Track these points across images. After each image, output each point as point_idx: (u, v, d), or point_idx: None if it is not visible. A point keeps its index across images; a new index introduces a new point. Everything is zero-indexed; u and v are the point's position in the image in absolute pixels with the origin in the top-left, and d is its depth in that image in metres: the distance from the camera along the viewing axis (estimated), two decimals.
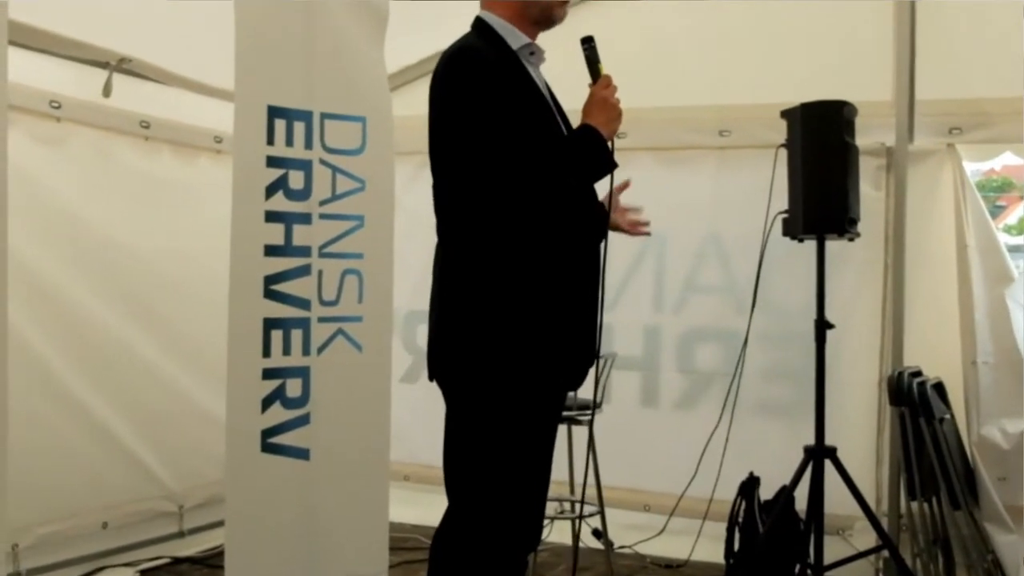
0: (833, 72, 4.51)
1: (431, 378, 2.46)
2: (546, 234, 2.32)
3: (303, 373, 3.47)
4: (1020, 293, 4.31)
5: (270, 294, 3.39)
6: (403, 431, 4.43)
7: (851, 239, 4.08)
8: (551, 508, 3.74)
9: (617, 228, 2.79)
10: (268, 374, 3.40)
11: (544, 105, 2.41)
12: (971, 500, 4.11)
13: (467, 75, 2.27)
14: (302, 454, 3.46)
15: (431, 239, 2.51)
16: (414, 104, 3.06)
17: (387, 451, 3.74)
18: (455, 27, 2.54)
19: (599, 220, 2.49)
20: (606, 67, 2.53)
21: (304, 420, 3.47)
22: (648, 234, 2.91)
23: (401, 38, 3.85)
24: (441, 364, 2.40)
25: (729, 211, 4.81)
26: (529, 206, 2.28)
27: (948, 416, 4.20)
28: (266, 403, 3.39)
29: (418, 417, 4.36)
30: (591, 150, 2.36)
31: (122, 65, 4.22)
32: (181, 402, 4.63)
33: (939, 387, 4.27)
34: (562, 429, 3.42)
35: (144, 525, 4.54)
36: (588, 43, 2.49)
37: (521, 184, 2.25)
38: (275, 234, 3.40)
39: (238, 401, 3.36)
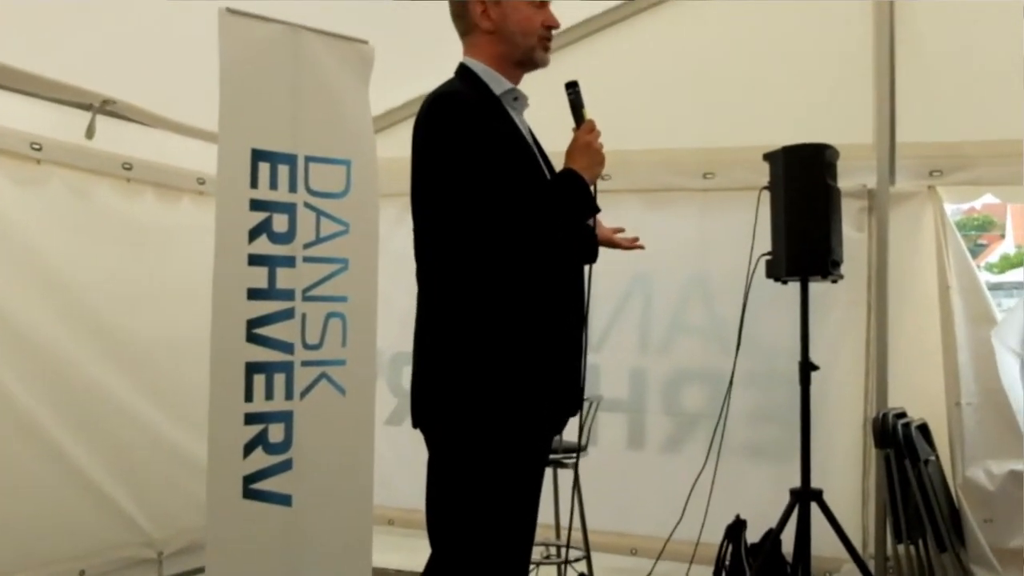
0: (815, 115, 4.55)
1: (415, 425, 2.43)
2: (529, 278, 2.31)
3: (286, 418, 3.45)
4: (1008, 334, 4.31)
5: (253, 338, 3.37)
6: (388, 474, 4.39)
7: (834, 281, 4.10)
8: (537, 553, 3.70)
9: (614, 244, 2.80)
10: (250, 419, 3.37)
11: (527, 150, 2.41)
12: (957, 542, 4.10)
13: (450, 119, 2.27)
14: (284, 500, 3.42)
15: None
16: (399, 146, 3.05)
17: (370, 496, 3.70)
18: (440, 69, 2.54)
19: (587, 251, 2.49)
20: (590, 109, 2.53)
21: (287, 465, 3.44)
22: (642, 247, 2.92)
23: (386, 81, 3.86)
24: (424, 410, 2.38)
25: (714, 252, 4.82)
26: (512, 251, 2.27)
27: (933, 458, 4.20)
28: (248, 448, 3.36)
29: (403, 460, 4.31)
30: (574, 194, 2.36)
31: (105, 107, 4.20)
32: (161, 446, 4.57)
33: (923, 428, 4.27)
34: (547, 472, 3.40)
35: (123, 572, 4.46)
36: (572, 88, 2.50)
37: (503, 229, 2.24)
38: (258, 277, 3.38)
39: (219, 446, 3.33)
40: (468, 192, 2.22)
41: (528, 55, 2.46)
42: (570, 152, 2.42)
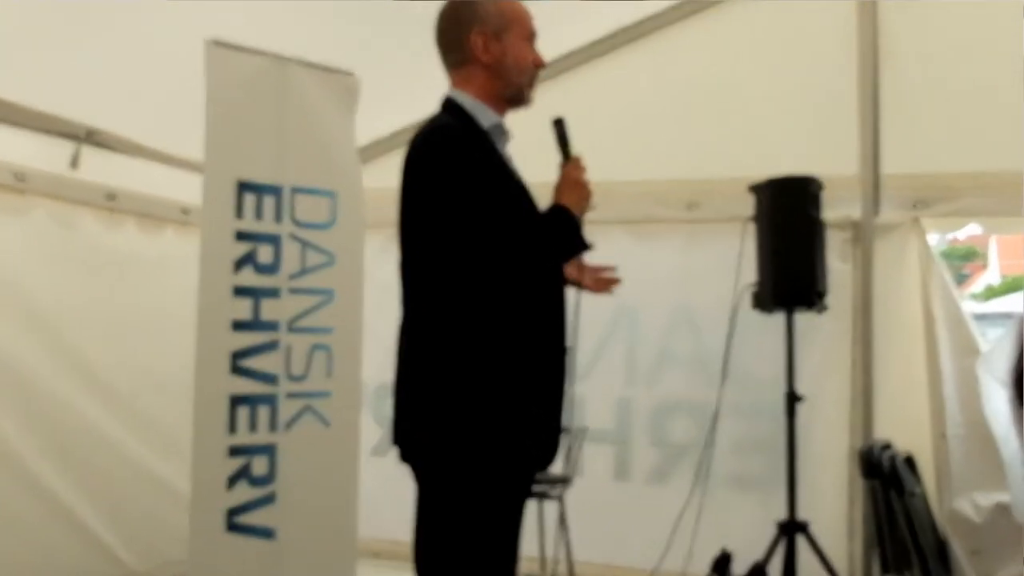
0: (800, 146, 4.58)
1: (401, 459, 2.42)
2: (517, 314, 2.30)
3: (270, 450, 3.42)
4: (994, 364, 4.32)
5: (237, 369, 3.35)
6: (373, 506, 4.35)
7: (820, 312, 4.11)
8: None
9: (580, 286, 2.77)
10: (234, 451, 3.35)
11: (518, 184, 2.41)
12: (944, 574, 4.09)
13: (445, 154, 2.26)
14: (268, 533, 3.40)
15: None
16: (384, 177, 3.06)
17: (355, 529, 3.67)
18: (425, 100, 2.55)
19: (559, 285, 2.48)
20: (577, 141, 2.54)
21: (270, 498, 3.41)
22: (618, 281, 2.87)
23: (372, 111, 3.87)
24: (411, 445, 2.37)
25: (699, 283, 4.82)
26: (502, 287, 2.27)
27: (918, 490, 4.19)
28: (231, 481, 3.34)
29: (389, 491, 4.26)
30: (564, 231, 2.36)
31: (91, 138, 4.20)
32: (144, 479, 4.53)
33: (909, 460, 4.27)
34: (532, 504, 3.38)
35: None
36: (559, 124, 2.51)
37: (495, 265, 2.24)
38: (243, 309, 3.37)
39: (203, 479, 3.30)
40: (461, 227, 2.22)
41: (519, 92, 2.47)
42: (559, 188, 2.43)
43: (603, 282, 2.84)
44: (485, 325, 2.27)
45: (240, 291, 3.37)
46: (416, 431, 2.33)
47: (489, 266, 2.23)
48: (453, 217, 2.22)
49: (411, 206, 2.31)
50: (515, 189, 2.39)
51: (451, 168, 2.24)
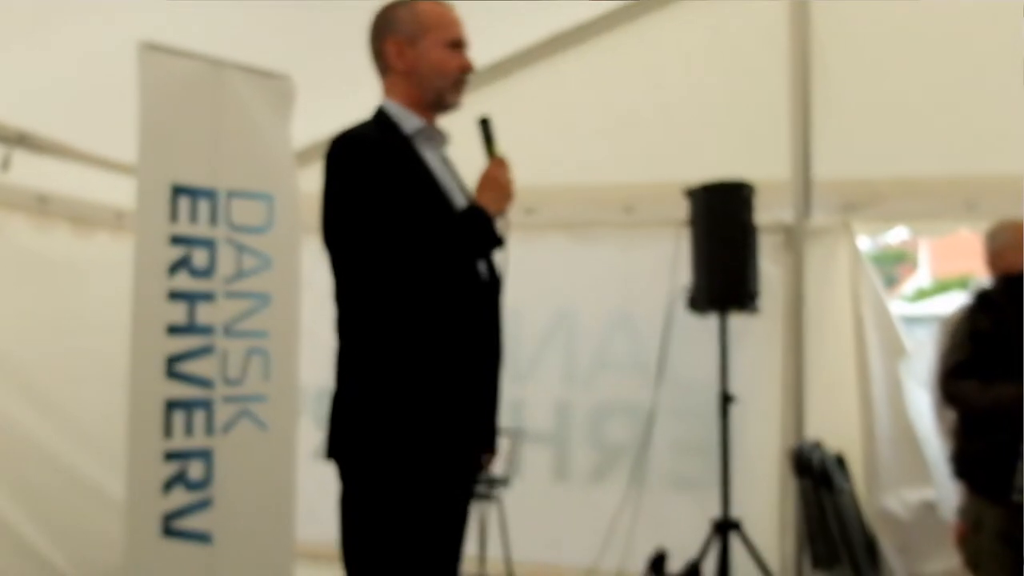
0: (733, 150, 4.66)
1: (328, 456, 2.43)
2: (433, 312, 2.34)
3: (206, 454, 3.40)
4: (916, 367, 4.43)
5: (173, 374, 3.33)
6: (313, 509, 4.33)
7: (752, 313, 4.20)
8: None
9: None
10: (170, 456, 3.32)
11: (432, 185, 2.44)
12: (872, 569, 4.19)
13: (347, 161, 2.31)
14: (205, 538, 3.38)
15: None
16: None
17: (292, 532, 3.66)
18: (364, 104, 2.56)
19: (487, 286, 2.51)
20: (514, 146, 2.58)
21: (207, 503, 3.39)
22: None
23: (309, 115, 3.87)
24: (336, 442, 2.39)
25: (636, 286, 4.88)
26: (414, 286, 2.30)
27: (848, 488, 4.29)
28: (167, 486, 3.31)
29: (329, 494, 4.25)
30: (475, 228, 2.40)
31: (22, 141, 4.13)
32: (78, 486, 4.45)
33: (839, 459, 4.36)
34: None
35: None
36: (485, 124, 2.54)
37: (404, 266, 2.28)
38: (178, 313, 3.35)
39: (138, 484, 3.27)
40: (367, 231, 2.26)
41: (439, 98, 2.49)
42: (478, 187, 2.46)
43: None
44: (400, 323, 2.31)
45: (175, 295, 3.34)
46: (341, 428, 2.37)
47: (398, 266, 2.27)
48: (359, 222, 2.26)
49: (326, 214, 2.35)
50: (430, 191, 2.42)
51: (354, 174, 2.29)
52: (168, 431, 3.31)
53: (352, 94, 3.47)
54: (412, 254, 2.28)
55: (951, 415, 3.64)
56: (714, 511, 4.17)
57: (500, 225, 2.42)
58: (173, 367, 3.33)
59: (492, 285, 2.51)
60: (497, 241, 2.43)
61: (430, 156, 2.48)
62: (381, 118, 2.46)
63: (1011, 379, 3.22)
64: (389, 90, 2.50)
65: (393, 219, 2.27)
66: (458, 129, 2.56)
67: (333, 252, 2.38)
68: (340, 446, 2.39)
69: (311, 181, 4.07)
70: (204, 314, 3.40)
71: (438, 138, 2.53)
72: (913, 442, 4.37)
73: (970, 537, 3.41)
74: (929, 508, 4.30)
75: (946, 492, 4.07)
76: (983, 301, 3.48)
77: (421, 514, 2.33)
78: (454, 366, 2.37)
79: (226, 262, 3.47)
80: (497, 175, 2.46)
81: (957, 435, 3.52)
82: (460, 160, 2.59)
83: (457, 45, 2.50)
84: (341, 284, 2.39)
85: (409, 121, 2.45)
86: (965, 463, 3.44)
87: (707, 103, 4.84)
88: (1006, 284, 3.50)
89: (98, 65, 3.76)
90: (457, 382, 2.37)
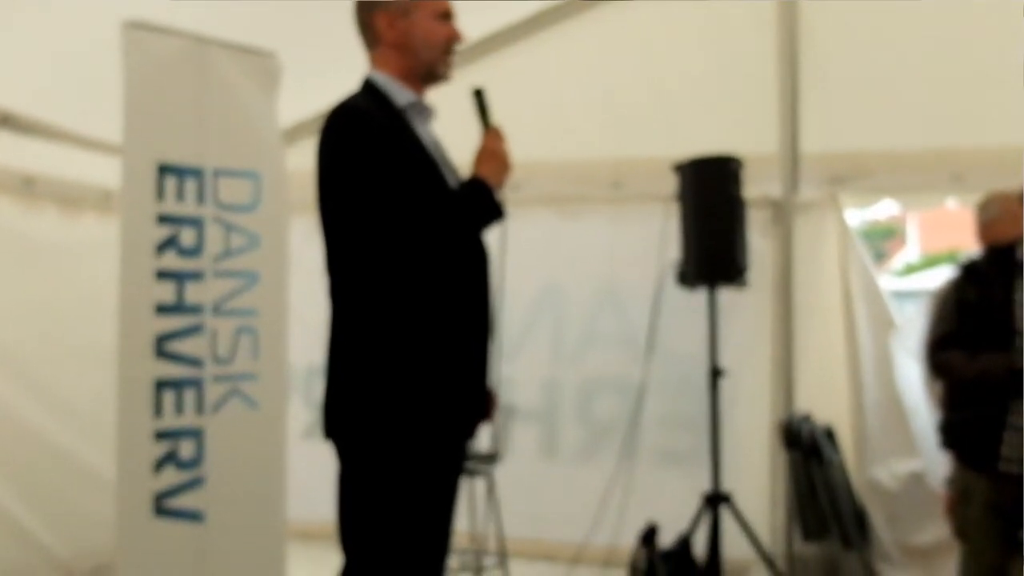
0: (722, 125, 4.67)
1: (326, 435, 2.43)
2: (434, 287, 2.33)
3: (197, 434, 3.40)
4: (908, 339, 4.45)
5: (162, 353, 3.32)
6: (304, 488, 4.36)
7: (741, 287, 4.21)
8: (454, 561, 3.71)
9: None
10: (160, 435, 3.32)
11: (428, 160, 2.43)
12: (862, 540, 4.22)
13: (347, 133, 2.29)
14: (196, 517, 3.38)
15: None
16: (310, 159, 3.04)
17: (284, 511, 3.67)
18: (350, 81, 2.55)
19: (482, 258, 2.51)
20: (502, 121, 2.57)
21: (198, 482, 3.39)
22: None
23: (296, 93, 3.85)
24: (334, 420, 2.39)
25: (624, 262, 4.89)
26: (415, 261, 2.29)
27: (837, 460, 4.32)
28: (158, 465, 3.31)
29: (319, 473, 4.27)
30: (478, 200, 2.39)
31: (7, 123, 4.10)
32: (69, 466, 4.46)
33: (829, 431, 4.39)
34: (462, 481, 3.41)
35: None
36: (479, 95, 2.53)
37: (406, 239, 2.26)
38: (166, 292, 3.34)
39: (129, 463, 3.27)
40: (368, 205, 2.24)
41: (431, 69, 2.48)
42: (477, 159, 2.45)
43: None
44: (402, 299, 2.30)
45: (163, 275, 3.33)
46: (338, 406, 2.36)
47: (400, 241, 2.25)
48: (360, 196, 2.24)
49: (323, 187, 2.33)
50: (426, 165, 2.41)
51: (355, 147, 2.27)
52: (158, 410, 3.31)
53: (338, 71, 3.46)
54: (416, 228, 2.27)
55: (940, 386, 3.66)
56: (704, 485, 4.19)
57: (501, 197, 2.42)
58: (162, 346, 3.32)
59: (485, 260, 2.51)
60: (500, 213, 2.42)
61: (422, 131, 2.47)
62: (372, 90, 2.45)
63: (997, 350, 3.24)
64: (378, 62, 2.49)
65: (396, 193, 2.25)
66: (439, 104, 2.55)
67: (332, 225, 2.35)
68: (338, 425, 2.39)
69: (298, 159, 4.10)
70: (193, 293, 3.40)
71: (427, 112, 2.52)
72: (902, 413, 4.40)
73: (958, 507, 3.44)
74: (917, 479, 4.34)
75: (933, 462, 4.09)
76: (970, 272, 3.49)
77: (420, 490, 2.34)
78: (451, 342, 2.37)
79: (214, 241, 3.46)
80: (495, 146, 2.45)
81: (944, 406, 3.54)
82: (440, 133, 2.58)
83: (446, 16, 2.49)
84: (338, 258, 2.36)
85: (401, 94, 2.44)
86: (952, 433, 3.46)
87: (695, 78, 4.84)
88: (993, 255, 3.51)
89: (82, 44, 3.74)
90: (454, 358, 2.37)
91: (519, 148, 2.55)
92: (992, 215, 3.64)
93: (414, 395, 2.30)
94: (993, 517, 3.30)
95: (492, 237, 2.53)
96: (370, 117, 2.32)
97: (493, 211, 2.40)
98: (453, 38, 2.49)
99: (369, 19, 2.48)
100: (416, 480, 2.32)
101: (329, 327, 2.42)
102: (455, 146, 2.59)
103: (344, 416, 2.36)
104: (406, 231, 2.25)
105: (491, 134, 2.48)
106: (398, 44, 2.45)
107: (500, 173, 2.43)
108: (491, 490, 4.35)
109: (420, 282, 2.31)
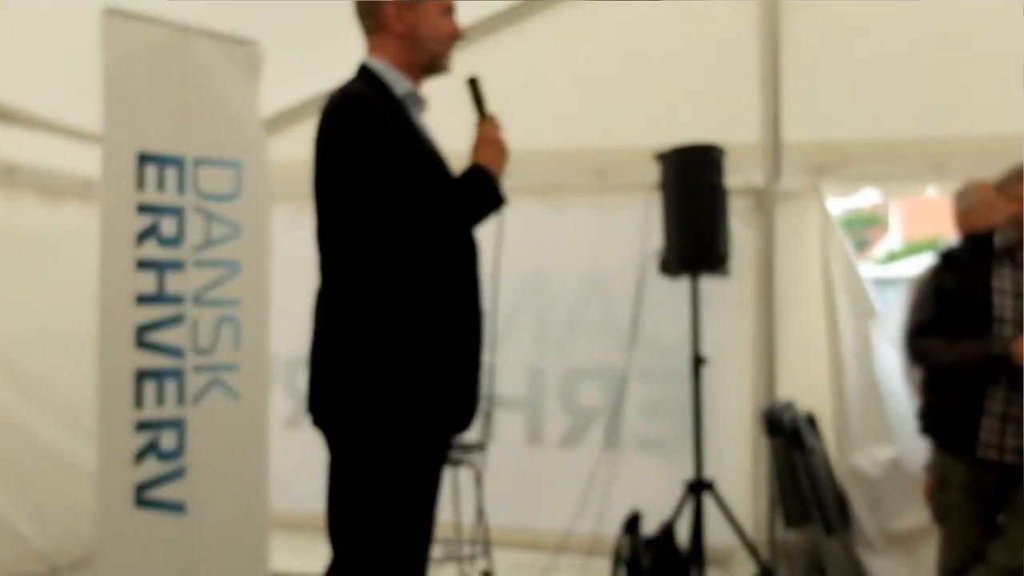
0: (704, 114, 4.66)
1: (314, 423, 2.43)
2: (432, 276, 2.33)
3: (178, 424, 3.40)
4: (888, 327, 4.47)
5: (143, 344, 3.31)
6: (287, 479, 4.36)
7: (723, 275, 4.22)
8: (437, 550, 3.71)
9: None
10: (141, 426, 3.31)
11: (429, 149, 2.44)
12: (843, 526, 4.25)
13: (355, 120, 2.28)
14: (178, 508, 3.38)
15: (312, 284, 2.49)
16: (293, 148, 3.04)
17: (266, 501, 3.67)
18: (333, 70, 2.55)
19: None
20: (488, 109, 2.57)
21: (180, 473, 3.39)
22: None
23: (278, 82, 3.83)
24: (324, 408, 2.38)
25: (609, 250, 4.88)
26: (418, 250, 2.29)
27: (819, 446, 4.34)
28: (139, 456, 3.30)
29: (302, 463, 4.28)
30: (480, 188, 2.39)
31: None
32: (50, 458, 4.43)
33: (810, 418, 4.41)
34: (447, 470, 3.42)
35: None
36: (474, 83, 2.54)
37: (409, 228, 2.26)
38: (147, 282, 3.33)
39: (110, 455, 3.26)
40: (372, 192, 2.24)
41: (435, 61, 2.50)
42: (475, 147, 2.46)
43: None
44: (398, 289, 2.30)
45: (143, 264, 3.32)
46: (329, 395, 2.35)
47: (401, 230, 2.26)
48: (364, 183, 2.24)
49: (323, 173, 2.33)
50: (430, 155, 2.41)
51: (361, 134, 2.26)
52: (139, 401, 3.30)
53: (320, 60, 3.45)
54: (420, 217, 2.27)
55: (919, 373, 3.68)
56: (687, 472, 4.21)
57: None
58: (143, 337, 3.31)
59: (474, 250, 2.51)
60: (502, 200, 2.42)
61: (417, 120, 2.48)
62: (370, 77, 2.44)
63: (975, 336, 3.27)
64: (377, 49, 2.48)
65: (400, 182, 2.25)
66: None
67: (330, 213, 2.35)
68: (328, 415, 2.39)
69: (280, 148, 4.09)
70: (173, 283, 3.39)
71: (422, 104, 2.52)
72: (882, 400, 4.43)
73: (937, 492, 3.47)
74: (898, 464, 4.36)
75: (911, 448, 4.11)
76: (949, 260, 3.52)
77: (408, 478, 2.34)
78: (448, 330, 2.37)
79: (195, 230, 3.45)
80: (493, 135, 2.47)
81: (923, 392, 3.57)
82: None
83: (450, 11, 2.50)
84: (335, 246, 2.36)
85: (400, 84, 2.44)
86: (931, 419, 3.49)
87: (678, 67, 4.83)
88: (971, 243, 3.53)
89: (61, 32, 3.71)
90: (447, 347, 2.38)
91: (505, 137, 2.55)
92: (970, 203, 3.67)
93: (408, 384, 2.30)
94: (971, 501, 3.33)
95: (487, 227, 2.53)
96: (376, 105, 2.32)
97: (495, 199, 2.41)
98: (456, 34, 2.50)
99: (375, 7, 2.47)
100: (404, 468, 2.33)
101: (320, 314, 2.41)
102: (440, 136, 2.60)
103: (335, 404, 2.35)
104: (410, 219, 2.26)
105: (488, 122, 2.50)
106: (404, 35, 2.45)
107: (500, 161, 2.44)
108: (479, 479, 4.35)
109: (416, 272, 2.31)
